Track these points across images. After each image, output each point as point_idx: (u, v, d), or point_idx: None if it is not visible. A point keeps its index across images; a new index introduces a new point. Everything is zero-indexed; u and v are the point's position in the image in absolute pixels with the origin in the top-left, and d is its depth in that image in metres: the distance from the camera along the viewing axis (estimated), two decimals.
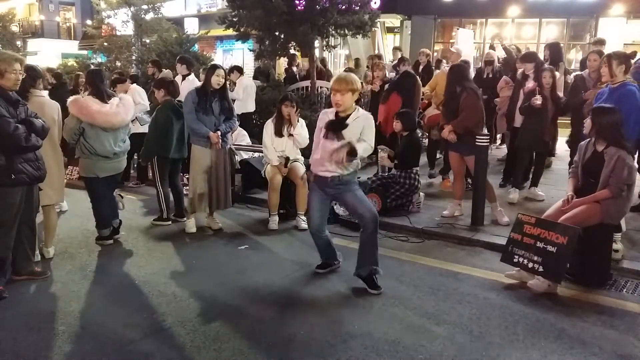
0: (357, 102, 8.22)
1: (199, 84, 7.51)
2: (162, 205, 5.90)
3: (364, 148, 4.02)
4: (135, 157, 7.59)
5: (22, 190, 4.00)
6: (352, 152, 3.91)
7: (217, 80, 5.37)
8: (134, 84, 7.81)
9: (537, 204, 6.05)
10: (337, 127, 4.06)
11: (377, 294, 4.06)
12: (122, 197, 5.78)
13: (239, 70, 9.24)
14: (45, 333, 3.49)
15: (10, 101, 3.91)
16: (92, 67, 12.87)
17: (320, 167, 4.14)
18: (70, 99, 5.03)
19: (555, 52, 7.81)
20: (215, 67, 5.55)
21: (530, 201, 6.27)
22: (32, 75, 4.53)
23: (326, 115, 4.21)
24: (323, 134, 4.12)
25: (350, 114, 4.08)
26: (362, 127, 4.05)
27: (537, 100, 5.83)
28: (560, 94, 6.85)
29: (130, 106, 5.20)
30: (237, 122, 6.07)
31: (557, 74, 7.20)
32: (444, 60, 9.67)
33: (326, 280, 4.38)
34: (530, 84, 6.25)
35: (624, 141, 4.25)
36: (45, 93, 4.98)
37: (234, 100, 8.54)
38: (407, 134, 6.12)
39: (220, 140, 5.47)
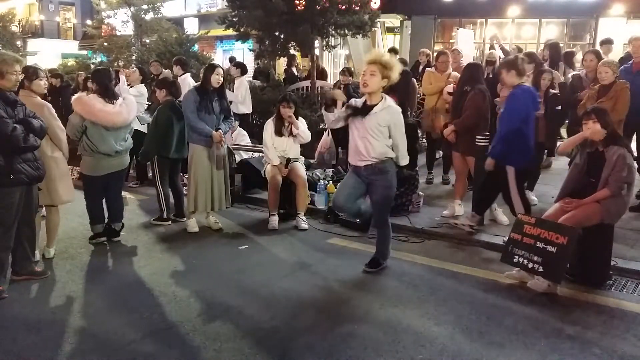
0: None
1: (188, 83, 7.54)
2: (162, 205, 5.91)
3: (405, 157, 4.34)
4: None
5: (21, 190, 4.00)
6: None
7: (216, 79, 5.38)
8: (142, 85, 7.80)
9: (538, 205, 6.04)
10: (361, 111, 4.13)
11: (368, 271, 4.50)
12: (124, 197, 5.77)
13: (242, 69, 9.03)
14: (45, 333, 3.49)
15: (8, 101, 3.91)
16: (95, 66, 12.93)
17: (355, 158, 4.29)
18: (75, 96, 5.06)
19: (555, 53, 7.82)
20: (214, 66, 5.58)
21: None
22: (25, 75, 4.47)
23: (354, 104, 4.28)
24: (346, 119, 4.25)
25: (377, 104, 4.12)
26: (388, 123, 4.13)
27: (539, 112, 5.80)
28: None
29: (133, 106, 5.22)
30: (234, 121, 6.06)
31: (557, 74, 7.22)
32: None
33: (326, 281, 4.38)
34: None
35: (623, 139, 4.25)
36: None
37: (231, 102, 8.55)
38: None
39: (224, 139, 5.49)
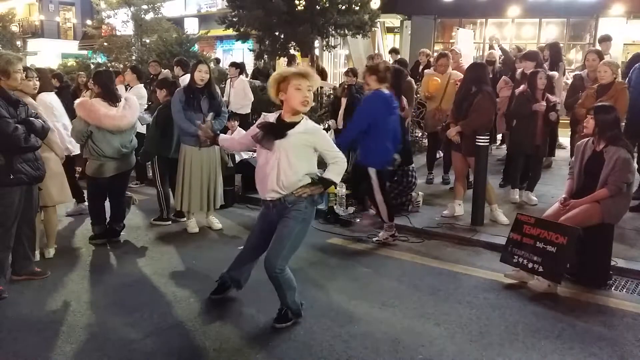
0: (359, 103, 8.25)
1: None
2: (162, 205, 5.90)
3: (338, 172, 3.40)
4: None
5: (21, 190, 4.00)
6: (325, 187, 3.41)
7: (200, 75, 5.30)
8: (140, 86, 7.77)
9: (538, 205, 6.04)
10: (274, 132, 3.29)
11: (279, 327, 3.54)
12: (131, 194, 5.76)
13: (237, 67, 9.10)
14: (45, 333, 3.49)
15: (10, 101, 3.93)
16: (94, 67, 12.91)
17: (263, 189, 3.40)
18: (78, 101, 5.04)
19: (555, 53, 7.82)
20: (197, 63, 5.50)
21: (527, 204, 6.26)
22: None
23: (265, 120, 3.45)
24: (258, 141, 3.36)
25: (297, 123, 3.32)
26: (312, 144, 3.33)
27: (542, 105, 5.78)
28: (560, 94, 6.86)
29: (135, 107, 5.20)
30: (235, 120, 6.00)
31: (557, 74, 7.22)
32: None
33: (326, 281, 4.38)
34: (522, 86, 6.19)
35: (624, 140, 4.26)
36: None
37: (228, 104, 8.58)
38: None
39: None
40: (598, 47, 7.85)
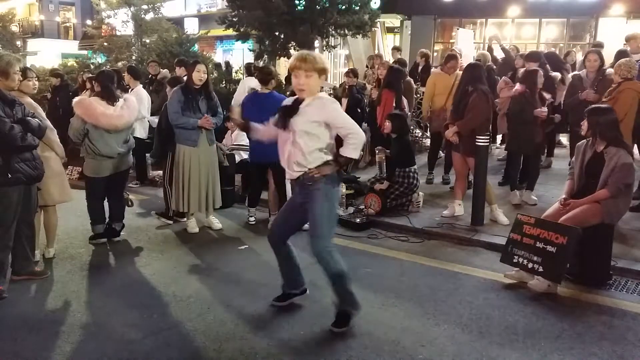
0: (359, 103, 8.26)
1: None
2: (168, 203, 5.88)
3: (353, 147, 3.34)
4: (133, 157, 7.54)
5: (19, 189, 4.00)
6: (341, 165, 3.42)
7: (198, 76, 5.28)
8: (139, 87, 7.73)
9: (538, 205, 6.03)
10: (286, 112, 3.39)
11: (337, 332, 3.48)
12: (128, 194, 5.76)
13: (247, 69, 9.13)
14: (45, 333, 3.49)
15: (6, 101, 3.93)
16: (94, 67, 12.90)
17: (287, 169, 3.50)
18: (76, 99, 5.05)
19: (553, 63, 7.70)
20: (195, 62, 5.47)
21: (527, 203, 6.26)
22: None
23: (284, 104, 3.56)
24: (275, 124, 3.49)
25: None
26: (323, 118, 3.31)
27: (544, 112, 5.76)
28: (562, 94, 6.84)
29: (134, 108, 5.19)
30: (222, 120, 5.89)
31: (559, 75, 7.21)
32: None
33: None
34: (518, 86, 6.15)
35: (624, 140, 4.25)
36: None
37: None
38: (396, 137, 6.12)
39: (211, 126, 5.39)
40: (625, 46, 7.75)
